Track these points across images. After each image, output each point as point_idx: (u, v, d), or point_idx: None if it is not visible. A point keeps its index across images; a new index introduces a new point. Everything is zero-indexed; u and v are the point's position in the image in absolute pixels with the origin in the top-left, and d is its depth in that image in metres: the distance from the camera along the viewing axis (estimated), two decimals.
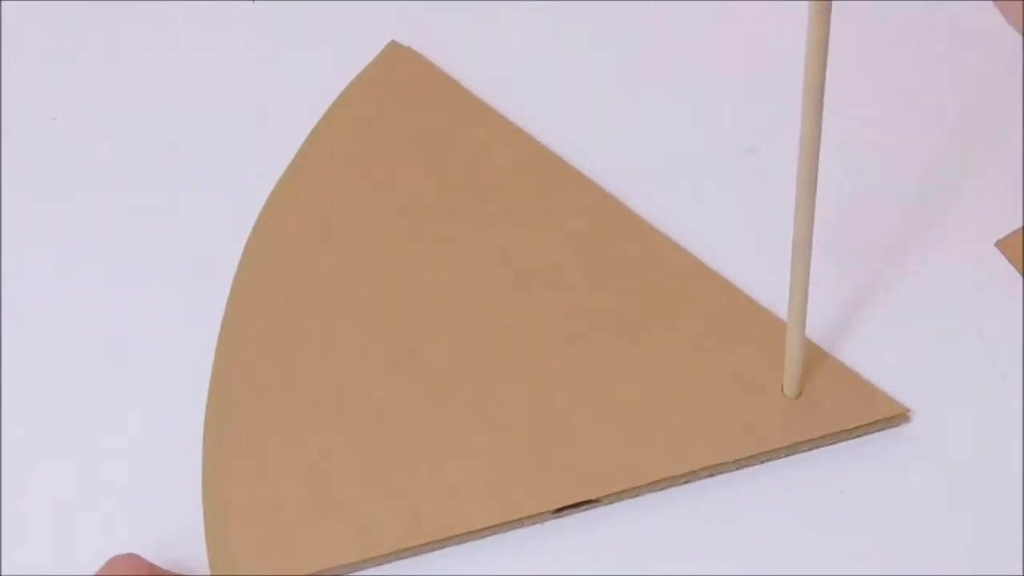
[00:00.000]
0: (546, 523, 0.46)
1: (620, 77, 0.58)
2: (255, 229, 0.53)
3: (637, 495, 0.46)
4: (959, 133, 0.55)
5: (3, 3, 0.63)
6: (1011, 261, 0.51)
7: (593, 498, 0.45)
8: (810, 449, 0.46)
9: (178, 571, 0.44)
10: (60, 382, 0.50)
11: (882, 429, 0.47)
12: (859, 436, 0.47)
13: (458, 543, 0.45)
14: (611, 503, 0.46)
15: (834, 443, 0.46)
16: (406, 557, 0.45)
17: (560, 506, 0.45)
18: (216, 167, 0.56)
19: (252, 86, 0.59)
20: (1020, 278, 0.50)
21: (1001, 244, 0.51)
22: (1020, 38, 0.41)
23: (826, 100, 0.36)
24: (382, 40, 0.59)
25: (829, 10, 0.33)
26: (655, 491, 0.46)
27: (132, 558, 0.43)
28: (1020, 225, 0.51)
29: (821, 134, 0.37)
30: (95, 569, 0.42)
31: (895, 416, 0.46)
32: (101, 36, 0.62)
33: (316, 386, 0.49)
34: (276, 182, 0.55)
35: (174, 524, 0.46)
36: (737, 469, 0.46)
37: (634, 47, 0.59)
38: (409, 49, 0.59)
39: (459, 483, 0.46)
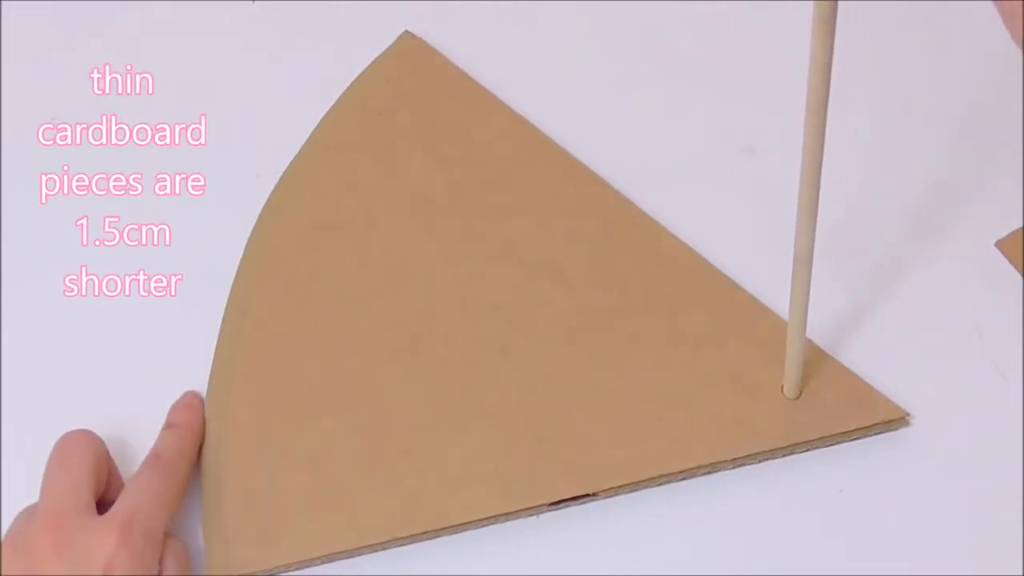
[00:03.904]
0: (542, 515, 0.46)
1: (623, 76, 0.58)
2: (262, 215, 0.54)
3: (634, 490, 0.46)
4: (959, 133, 0.55)
5: (3, 3, 0.63)
6: (1011, 261, 0.51)
7: (590, 492, 0.45)
8: (808, 450, 0.46)
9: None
10: (59, 380, 0.51)
11: (882, 432, 0.47)
12: (859, 438, 0.47)
13: (454, 533, 0.45)
14: (608, 497, 0.46)
15: (833, 444, 0.46)
16: (402, 545, 0.45)
17: (557, 499, 0.45)
18: (226, 155, 0.56)
19: (265, 73, 0.59)
20: (1020, 278, 0.50)
21: (1001, 244, 0.51)
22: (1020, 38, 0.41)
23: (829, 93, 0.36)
24: (396, 30, 0.59)
25: (833, 29, 0.33)
26: (652, 487, 0.46)
27: (86, 433, 0.45)
28: (1020, 225, 0.51)
29: (823, 155, 0.37)
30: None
31: (895, 419, 0.46)
32: (102, 36, 0.62)
33: (316, 373, 0.49)
34: (285, 169, 0.55)
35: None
36: (735, 467, 0.46)
37: (637, 46, 0.59)
38: (421, 40, 0.59)
39: (457, 473, 0.46)
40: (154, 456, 0.45)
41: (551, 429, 0.47)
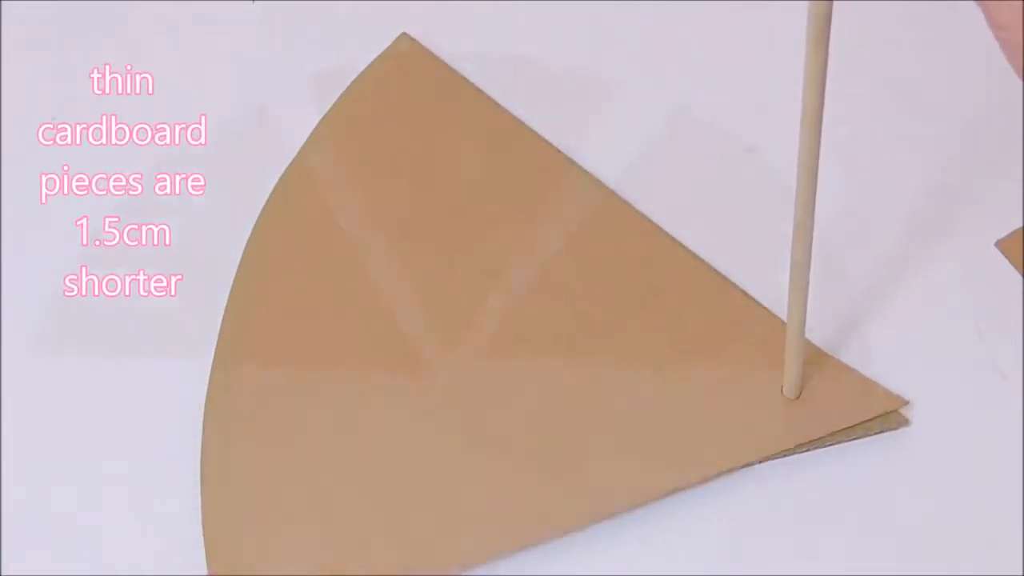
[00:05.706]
0: None
1: (623, 76, 0.58)
2: (262, 215, 0.53)
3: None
4: (959, 133, 0.55)
5: (3, 3, 0.63)
6: (1011, 261, 0.51)
7: (597, 520, 0.45)
8: (809, 449, 0.46)
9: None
10: (59, 380, 0.50)
11: (883, 430, 0.47)
12: (860, 437, 0.46)
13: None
14: None
15: (835, 443, 0.46)
16: None
17: (567, 532, 0.45)
18: (226, 155, 0.56)
19: (264, 74, 0.59)
20: (1020, 278, 0.50)
21: (1001, 244, 0.51)
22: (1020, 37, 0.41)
23: (824, 100, 0.36)
24: (393, 32, 0.59)
25: (827, 40, 0.33)
26: None
27: None
28: (1020, 225, 0.51)
29: (819, 156, 0.37)
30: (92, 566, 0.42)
31: (895, 409, 0.46)
32: (102, 36, 0.62)
33: (316, 374, 0.48)
34: (285, 169, 0.55)
35: (173, 522, 0.46)
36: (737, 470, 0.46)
37: (637, 46, 0.59)
38: (418, 44, 0.59)
39: (464, 509, 0.45)
40: None
41: (554, 453, 0.46)
